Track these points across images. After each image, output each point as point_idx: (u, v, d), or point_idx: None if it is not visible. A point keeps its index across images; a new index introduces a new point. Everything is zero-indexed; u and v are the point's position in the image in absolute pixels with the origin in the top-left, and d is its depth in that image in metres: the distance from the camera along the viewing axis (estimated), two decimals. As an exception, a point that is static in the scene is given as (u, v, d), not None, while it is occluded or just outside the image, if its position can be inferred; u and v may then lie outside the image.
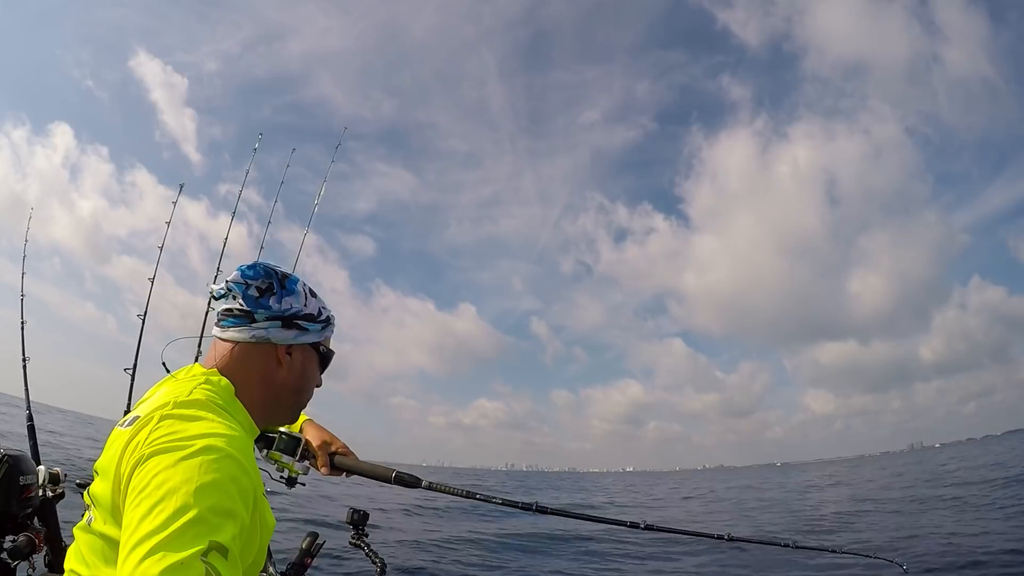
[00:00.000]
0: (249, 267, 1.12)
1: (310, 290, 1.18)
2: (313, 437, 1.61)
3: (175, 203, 3.58)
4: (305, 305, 1.15)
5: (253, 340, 1.09)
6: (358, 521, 2.00)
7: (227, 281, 1.13)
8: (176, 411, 0.93)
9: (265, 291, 1.12)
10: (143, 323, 3.02)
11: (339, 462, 1.60)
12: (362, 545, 1.96)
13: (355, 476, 1.63)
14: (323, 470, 1.59)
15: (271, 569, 1.99)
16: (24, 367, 3.09)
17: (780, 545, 1.91)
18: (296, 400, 1.19)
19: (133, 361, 2.81)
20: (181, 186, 3.74)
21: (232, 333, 1.10)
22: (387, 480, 1.55)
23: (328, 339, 1.24)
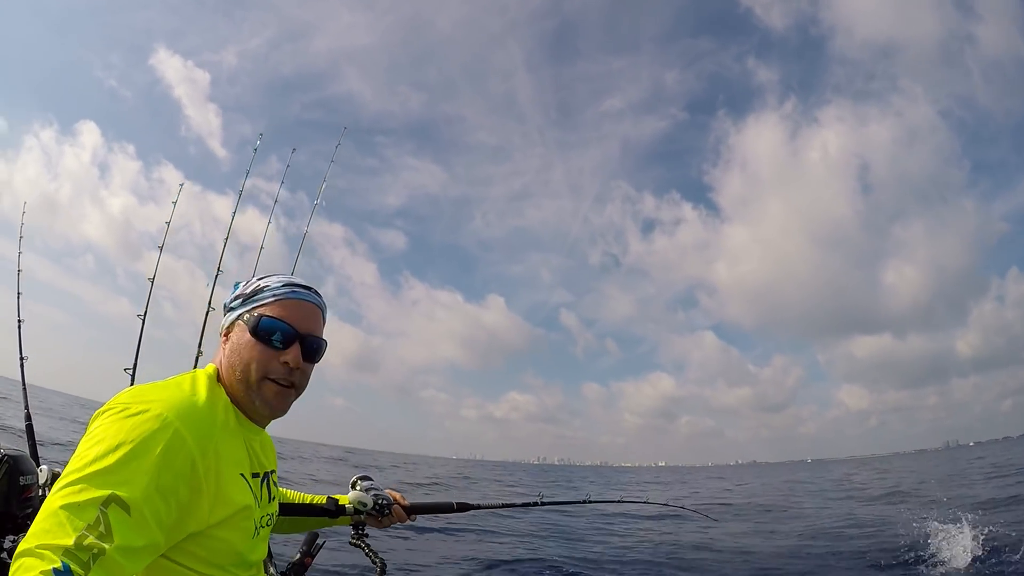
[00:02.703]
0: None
1: (262, 278, 1.24)
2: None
3: (181, 185, 3.59)
4: (243, 291, 1.22)
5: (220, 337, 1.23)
6: (358, 521, 2.00)
7: (223, 305, 1.26)
8: (146, 384, 1.05)
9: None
10: (143, 323, 3.01)
11: (412, 506, 1.85)
12: (362, 545, 1.96)
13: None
14: (402, 514, 1.82)
15: (271, 569, 1.99)
16: (22, 366, 3.08)
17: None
18: (236, 378, 1.13)
19: (133, 361, 2.81)
20: (181, 186, 3.73)
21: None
22: (451, 510, 1.95)
23: (265, 305, 1.16)
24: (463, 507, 1.97)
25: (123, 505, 0.82)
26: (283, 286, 1.18)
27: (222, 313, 1.23)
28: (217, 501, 1.00)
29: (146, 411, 0.93)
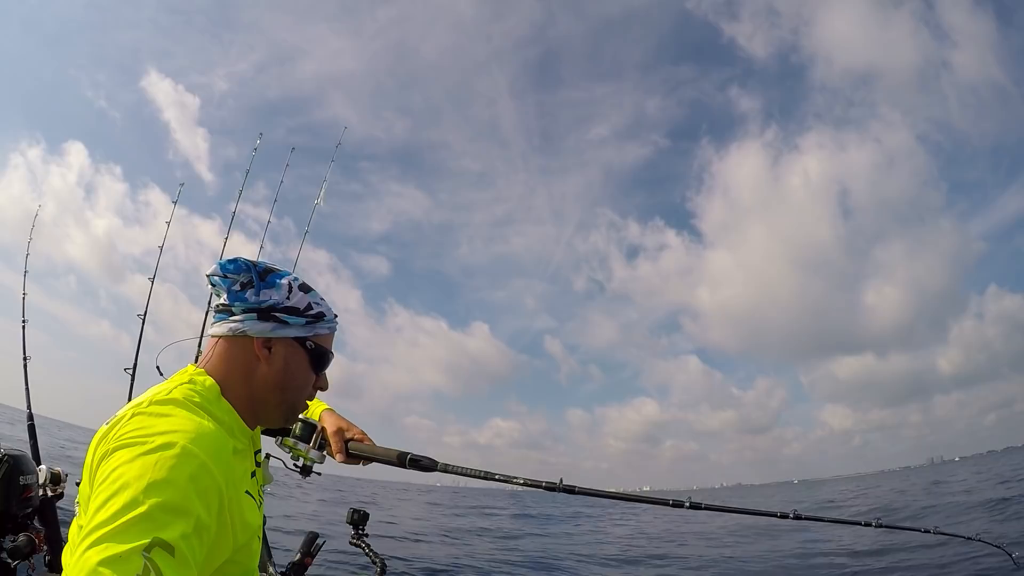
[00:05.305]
0: (229, 261, 1.11)
1: (301, 285, 1.14)
2: (329, 424, 1.57)
3: (175, 202, 3.59)
4: (287, 298, 1.11)
5: (231, 334, 1.09)
6: (358, 521, 2.00)
7: (207, 275, 1.12)
8: (149, 408, 0.95)
9: (246, 285, 1.10)
10: (143, 323, 3.03)
11: (354, 448, 1.54)
12: (362, 545, 1.96)
13: (372, 463, 1.57)
14: (338, 457, 1.54)
15: (271, 569, 2.00)
16: (25, 366, 3.10)
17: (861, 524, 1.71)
18: (281, 399, 1.13)
19: (133, 361, 2.82)
20: (181, 185, 3.75)
21: (216, 328, 1.11)
22: (402, 464, 1.53)
23: (322, 337, 1.17)
24: (424, 465, 1.53)
25: (167, 547, 0.76)
26: (335, 318, 1.20)
27: (236, 311, 1.10)
28: (239, 528, 0.97)
29: (169, 444, 0.86)
